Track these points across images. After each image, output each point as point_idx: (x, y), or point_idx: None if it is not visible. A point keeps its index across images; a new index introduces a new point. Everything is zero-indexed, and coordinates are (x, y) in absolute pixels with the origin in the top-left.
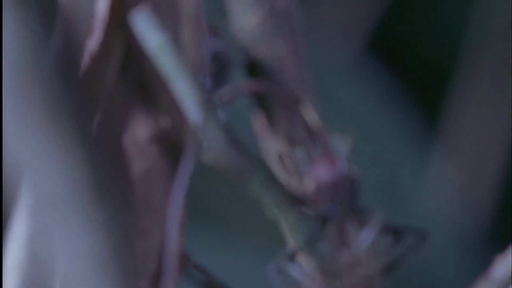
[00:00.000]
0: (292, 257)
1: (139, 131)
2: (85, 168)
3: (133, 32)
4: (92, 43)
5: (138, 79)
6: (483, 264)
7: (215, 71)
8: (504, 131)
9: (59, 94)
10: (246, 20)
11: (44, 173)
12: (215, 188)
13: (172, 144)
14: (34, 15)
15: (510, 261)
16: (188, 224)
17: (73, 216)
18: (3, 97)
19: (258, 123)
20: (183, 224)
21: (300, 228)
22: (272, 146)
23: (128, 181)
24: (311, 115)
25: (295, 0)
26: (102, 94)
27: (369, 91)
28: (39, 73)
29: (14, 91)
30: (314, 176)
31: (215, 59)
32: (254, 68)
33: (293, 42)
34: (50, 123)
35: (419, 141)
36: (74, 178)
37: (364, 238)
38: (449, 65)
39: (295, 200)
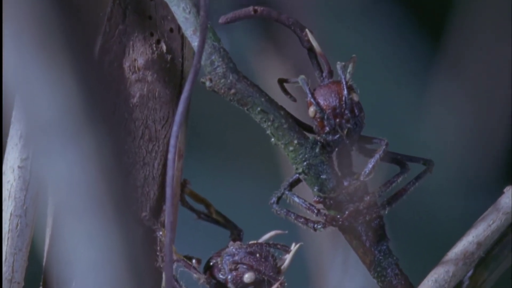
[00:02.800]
0: (293, 185)
1: (138, 56)
2: (80, 94)
3: None
4: None
5: (136, 3)
6: (492, 196)
7: None
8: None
9: (57, 17)
10: None
11: (36, 99)
12: (215, 115)
13: (171, 70)
14: None
15: None
16: (188, 151)
17: (63, 144)
18: (3, 24)
19: (262, 50)
20: (182, 151)
21: (302, 154)
22: (275, 73)
23: (127, 108)
24: (314, 42)
25: None
26: (101, 17)
27: (378, 21)
28: None
29: (12, 16)
30: (317, 102)
31: None
32: None
33: None
34: (47, 47)
35: (425, 71)
36: (66, 104)
37: (368, 167)
38: None
39: (299, 126)
